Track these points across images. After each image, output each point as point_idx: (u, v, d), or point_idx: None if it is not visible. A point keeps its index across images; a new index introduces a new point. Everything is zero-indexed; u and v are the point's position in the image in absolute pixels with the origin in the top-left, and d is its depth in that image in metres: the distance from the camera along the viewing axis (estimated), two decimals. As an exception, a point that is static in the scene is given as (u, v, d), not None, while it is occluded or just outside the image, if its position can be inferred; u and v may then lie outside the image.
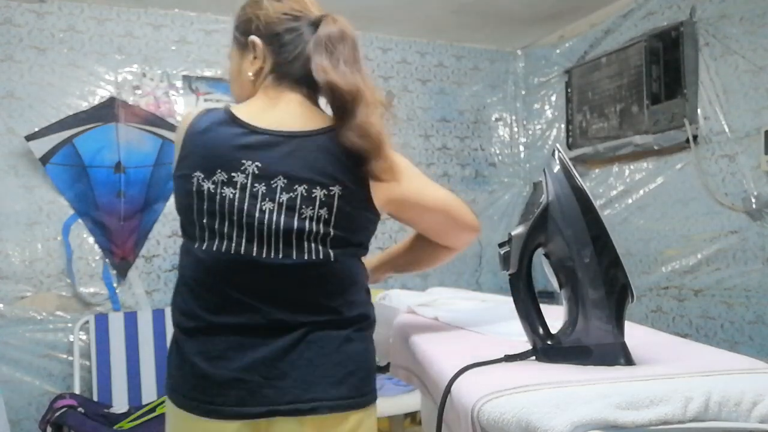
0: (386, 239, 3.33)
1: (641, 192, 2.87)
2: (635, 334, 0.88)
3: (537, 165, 3.62)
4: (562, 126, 3.37)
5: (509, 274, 0.87)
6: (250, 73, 1.07)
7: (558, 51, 3.40)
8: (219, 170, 0.96)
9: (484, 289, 3.30)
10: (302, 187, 0.97)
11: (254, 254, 0.96)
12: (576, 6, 3.07)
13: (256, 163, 0.97)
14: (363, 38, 3.33)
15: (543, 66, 3.52)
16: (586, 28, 3.22)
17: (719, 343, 2.43)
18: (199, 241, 0.98)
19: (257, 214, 0.96)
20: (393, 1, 2.91)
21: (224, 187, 0.96)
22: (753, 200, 2.33)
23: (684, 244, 2.63)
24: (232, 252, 0.96)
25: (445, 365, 0.86)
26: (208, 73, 3.01)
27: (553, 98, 3.47)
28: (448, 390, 0.76)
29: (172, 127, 2.91)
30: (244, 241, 0.96)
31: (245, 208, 0.96)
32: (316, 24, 1.12)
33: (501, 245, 0.88)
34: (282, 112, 1.03)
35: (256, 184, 0.96)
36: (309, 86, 1.07)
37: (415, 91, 3.46)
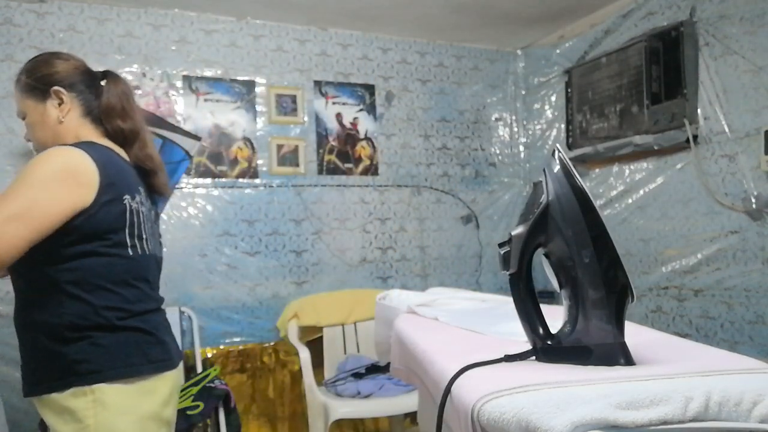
0: (386, 239, 3.34)
1: (641, 192, 2.87)
2: (635, 334, 0.88)
3: (537, 165, 3.62)
4: (562, 126, 3.37)
5: (509, 274, 0.87)
6: (61, 117, 1.31)
7: (558, 51, 3.40)
8: (134, 193, 1.29)
9: (484, 289, 3.30)
10: (149, 202, 1.40)
11: (156, 252, 1.41)
12: (576, 6, 3.07)
13: (139, 186, 1.35)
14: (363, 38, 3.34)
15: (543, 66, 3.52)
16: (586, 28, 3.22)
17: (719, 343, 2.43)
18: (131, 248, 1.27)
19: (150, 224, 1.37)
20: (393, 1, 2.91)
21: (139, 206, 1.31)
22: (753, 200, 2.33)
23: (684, 244, 2.63)
24: (148, 252, 1.34)
25: (445, 365, 0.87)
26: (208, 73, 3.01)
27: (553, 98, 3.47)
28: (448, 390, 0.76)
29: (172, 128, 2.90)
30: (152, 244, 1.37)
31: (150, 219, 1.37)
32: (101, 77, 1.38)
33: (501, 245, 0.88)
34: (117, 147, 1.35)
35: (143, 201, 1.34)
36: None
37: (415, 91, 3.46)
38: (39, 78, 1.31)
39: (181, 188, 2.93)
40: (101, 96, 1.34)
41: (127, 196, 1.26)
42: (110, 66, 2.82)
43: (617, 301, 0.79)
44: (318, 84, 3.22)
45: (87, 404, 1.18)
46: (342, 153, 3.27)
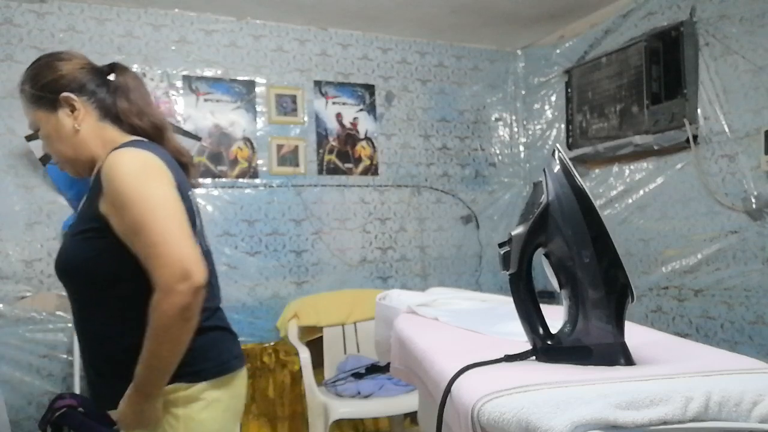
0: (386, 239, 3.34)
1: (641, 192, 2.87)
2: (635, 334, 0.88)
3: (537, 165, 3.62)
4: (562, 126, 3.37)
5: (509, 274, 0.87)
6: (76, 125, 1.20)
7: (558, 51, 3.40)
8: (191, 188, 1.26)
9: (484, 289, 3.30)
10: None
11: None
12: (576, 6, 3.07)
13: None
14: (363, 38, 3.34)
15: (543, 66, 3.52)
16: (586, 28, 3.22)
17: (719, 343, 2.43)
18: (200, 245, 1.16)
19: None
20: (393, 1, 2.91)
21: (196, 200, 1.27)
22: (753, 200, 2.33)
23: (684, 244, 2.63)
24: (208, 247, 1.27)
25: (445, 365, 0.86)
26: (208, 73, 3.01)
27: (553, 98, 3.47)
28: (448, 390, 0.76)
29: (172, 128, 2.90)
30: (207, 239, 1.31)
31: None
32: (108, 71, 1.30)
33: (501, 245, 0.88)
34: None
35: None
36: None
37: (415, 91, 3.46)
38: (44, 86, 1.22)
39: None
40: (115, 92, 1.24)
41: (190, 192, 1.21)
42: (110, 66, 2.82)
43: (617, 301, 0.79)
44: (318, 84, 3.22)
45: (183, 406, 1.14)
46: (342, 153, 3.27)
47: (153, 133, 1.24)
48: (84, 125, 1.20)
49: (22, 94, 1.26)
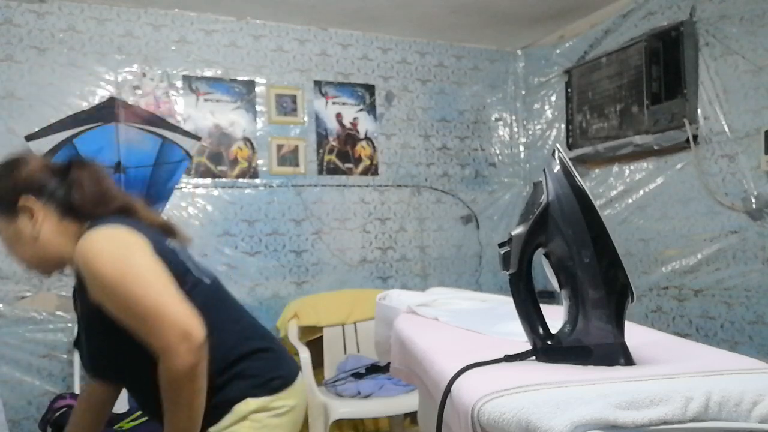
0: (386, 239, 3.34)
1: (641, 192, 2.87)
2: (635, 334, 0.88)
3: (537, 165, 3.62)
4: (562, 126, 3.37)
5: (509, 274, 0.87)
6: (34, 233, 1.18)
7: (558, 51, 3.40)
8: (165, 238, 1.27)
9: (484, 289, 3.30)
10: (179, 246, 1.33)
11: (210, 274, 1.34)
12: (576, 6, 3.08)
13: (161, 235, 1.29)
14: (363, 38, 3.34)
15: (543, 66, 3.52)
16: (586, 28, 3.22)
17: (719, 343, 2.43)
18: (203, 280, 1.27)
19: (192, 258, 1.33)
20: (393, 1, 2.91)
21: (176, 245, 1.28)
22: (753, 200, 2.33)
23: (684, 244, 2.63)
24: (209, 278, 1.32)
25: (445, 365, 0.86)
26: (208, 73, 3.01)
27: (553, 98, 3.47)
28: (448, 390, 0.76)
29: (172, 127, 2.91)
30: (206, 271, 1.32)
31: (189, 256, 1.32)
32: (66, 169, 1.25)
33: (501, 245, 0.88)
34: None
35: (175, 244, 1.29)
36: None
37: (415, 91, 3.46)
38: (2, 195, 1.19)
39: (181, 188, 2.93)
40: (71, 188, 1.21)
41: (166, 241, 1.22)
42: (110, 66, 2.83)
43: (617, 301, 0.79)
44: (318, 84, 3.22)
45: (241, 422, 1.19)
46: (342, 153, 3.27)
47: (122, 216, 1.23)
48: (44, 229, 1.19)
49: None
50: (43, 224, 1.19)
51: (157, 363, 1.07)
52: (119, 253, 1.09)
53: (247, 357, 1.22)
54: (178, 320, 1.04)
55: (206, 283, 1.23)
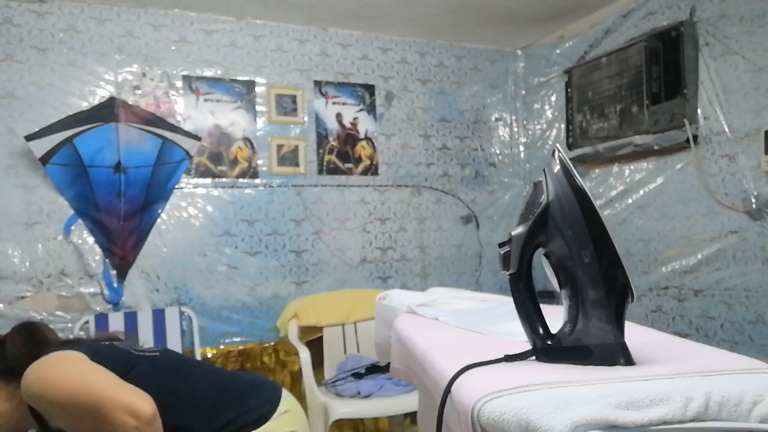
0: (386, 239, 3.34)
1: (641, 192, 2.87)
2: (635, 334, 0.88)
3: (537, 165, 3.62)
4: (562, 126, 3.37)
5: (509, 274, 0.87)
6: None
7: (558, 51, 3.40)
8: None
9: (484, 289, 3.30)
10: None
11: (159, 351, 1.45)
12: (576, 6, 3.08)
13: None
14: (363, 38, 3.34)
15: (543, 66, 3.52)
16: (586, 28, 3.22)
17: (719, 343, 2.43)
18: (147, 356, 1.37)
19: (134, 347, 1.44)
20: (393, 1, 2.91)
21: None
22: (753, 200, 2.33)
23: (684, 244, 2.63)
24: (155, 353, 1.43)
25: (445, 365, 0.86)
26: (208, 73, 3.01)
27: (553, 98, 3.47)
28: (448, 390, 0.76)
29: (172, 128, 2.91)
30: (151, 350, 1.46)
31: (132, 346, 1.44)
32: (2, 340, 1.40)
33: (501, 245, 0.88)
34: None
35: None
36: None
37: (415, 91, 3.46)
38: None
39: (181, 188, 2.93)
40: (8, 350, 1.34)
41: (100, 343, 1.36)
42: (110, 66, 2.83)
43: (617, 301, 0.78)
44: (318, 84, 3.22)
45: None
46: (342, 153, 3.27)
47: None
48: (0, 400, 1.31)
49: None
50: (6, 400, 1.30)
51: None
52: (49, 373, 1.18)
53: (224, 400, 1.32)
54: (123, 401, 1.13)
55: (156, 356, 1.34)
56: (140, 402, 1.14)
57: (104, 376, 1.18)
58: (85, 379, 1.16)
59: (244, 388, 1.38)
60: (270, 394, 1.39)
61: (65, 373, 1.17)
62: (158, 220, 2.88)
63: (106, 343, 1.34)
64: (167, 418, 1.22)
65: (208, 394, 1.31)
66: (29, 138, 2.62)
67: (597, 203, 0.79)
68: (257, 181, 3.08)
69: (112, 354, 1.28)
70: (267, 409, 1.34)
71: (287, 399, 1.42)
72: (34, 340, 1.37)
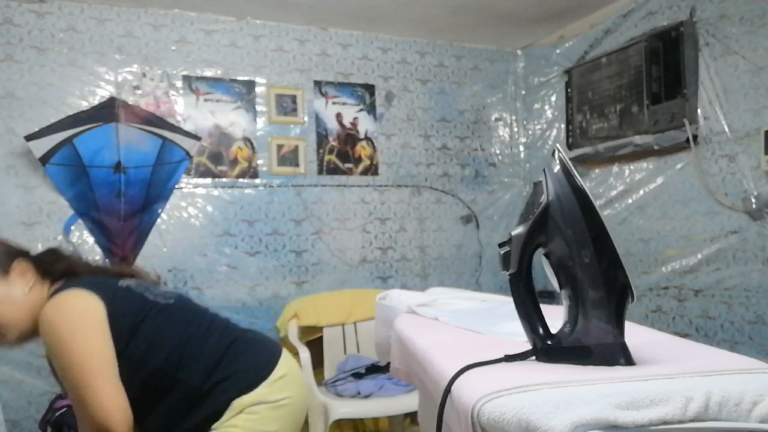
0: (386, 239, 3.34)
1: (641, 192, 2.87)
2: (635, 334, 0.88)
3: (537, 165, 3.62)
4: (562, 126, 3.37)
5: (509, 274, 0.87)
6: (27, 290, 1.30)
7: (558, 51, 3.40)
8: (119, 279, 1.39)
9: (484, 289, 3.30)
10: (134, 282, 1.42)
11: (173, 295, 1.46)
12: (576, 6, 3.08)
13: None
14: (363, 38, 3.34)
15: (543, 66, 3.52)
16: (586, 28, 3.22)
17: (719, 343, 2.43)
18: (161, 302, 1.37)
19: (149, 287, 1.45)
20: (393, 1, 2.91)
21: (131, 281, 1.41)
22: (753, 200, 2.33)
23: (684, 244, 2.63)
24: (171, 299, 1.43)
25: (445, 365, 0.86)
26: (208, 73, 3.01)
27: (553, 98, 3.47)
28: (448, 390, 0.76)
29: (172, 128, 2.91)
30: (166, 295, 1.45)
31: (147, 286, 1.44)
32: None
33: (501, 245, 0.88)
34: None
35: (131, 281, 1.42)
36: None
37: (415, 91, 3.46)
38: None
39: (181, 188, 2.93)
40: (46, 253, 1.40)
41: (118, 283, 1.33)
42: (110, 66, 2.83)
43: (617, 301, 0.78)
44: (318, 84, 3.22)
45: (246, 400, 1.29)
46: (342, 153, 3.27)
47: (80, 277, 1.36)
48: (33, 290, 1.31)
49: None
50: (34, 286, 1.31)
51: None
52: (69, 327, 1.19)
53: (223, 358, 1.32)
54: (97, 415, 1.15)
55: (169, 304, 1.34)
56: (116, 420, 1.16)
57: (100, 370, 1.18)
58: (85, 360, 1.17)
59: (244, 349, 1.37)
60: (268, 357, 1.38)
61: (73, 337, 1.18)
62: (158, 220, 2.88)
63: (125, 286, 1.32)
64: (167, 369, 1.26)
65: (212, 351, 1.31)
66: (29, 138, 2.62)
67: (597, 203, 0.79)
68: (257, 181, 3.08)
69: (129, 302, 1.28)
70: (261, 374, 1.33)
71: (286, 362, 1.41)
72: (68, 261, 1.39)
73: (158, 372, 1.26)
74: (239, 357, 1.34)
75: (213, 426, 1.27)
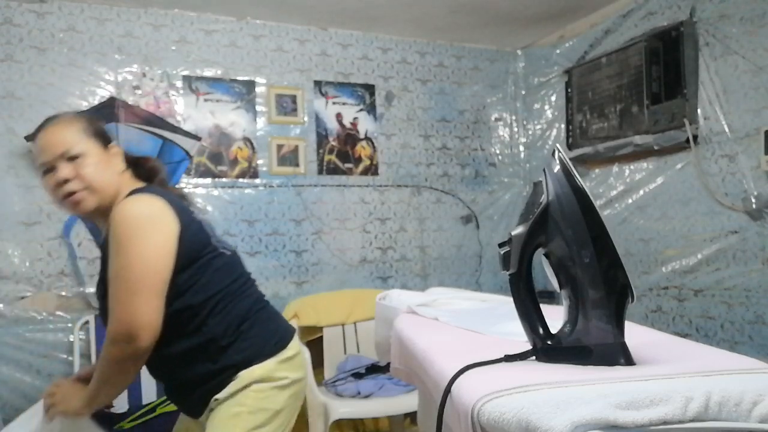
0: (386, 239, 3.34)
1: (641, 192, 2.87)
2: (635, 334, 0.88)
3: (537, 165, 3.62)
4: (562, 126, 3.37)
5: (509, 274, 0.87)
6: (120, 167, 1.35)
7: (558, 51, 3.40)
8: (192, 210, 1.39)
9: (484, 289, 3.30)
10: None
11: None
12: (576, 6, 3.07)
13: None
14: (363, 38, 3.34)
15: (543, 66, 3.52)
16: (586, 28, 3.22)
17: (719, 343, 2.43)
18: (222, 251, 1.38)
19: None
20: (393, 1, 2.91)
21: (201, 216, 1.41)
22: (753, 200, 2.33)
23: (684, 244, 2.63)
24: (232, 250, 1.46)
25: (445, 365, 0.86)
26: (208, 73, 3.01)
27: (553, 98, 3.47)
28: (448, 390, 0.76)
29: (172, 128, 2.91)
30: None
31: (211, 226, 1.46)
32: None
33: (501, 245, 0.88)
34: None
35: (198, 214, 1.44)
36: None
37: (415, 91, 3.46)
38: (101, 128, 1.36)
39: (181, 188, 2.93)
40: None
41: (193, 212, 1.35)
42: (110, 66, 2.83)
43: (617, 301, 0.79)
44: (318, 84, 3.22)
45: (257, 372, 1.29)
46: (342, 153, 3.27)
47: (152, 176, 1.42)
48: (120, 170, 1.36)
49: (75, 122, 1.33)
50: (124, 173, 1.36)
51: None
52: (136, 229, 1.20)
53: (247, 320, 1.34)
54: (134, 321, 1.17)
55: (227, 254, 1.37)
56: (147, 333, 1.17)
57: (153, 282, 1.19)
58: (140, 264, 1.18)
59: (266, 318, 1.43)
60: (283, 334, 1.42)
61: (139, 239, 1.19)
62: (158, 220, 2.87)
63: (199, 219, 1.34)
64: (201, 310, 1.27)
65: (241, 311, 1.33)
66: (29, 138, 2.62)
67: (597, 203, 0.79)
68: (257, 181, 3.08)
69: (198, 235, 1.30)
70: (276, 348, 1.36)
71: (296, 344, 1.44)
72: (158, 170, 1.43)
73: (191, 309, 1.27)
74: (261, 324, 1.37)
75: (216, 397, 1.28)
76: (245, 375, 1.28)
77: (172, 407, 2.54)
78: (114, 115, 2.77)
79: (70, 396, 1.33)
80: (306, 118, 3.19)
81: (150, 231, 1.21)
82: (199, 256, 1.29)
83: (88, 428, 1.45)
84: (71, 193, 1.28)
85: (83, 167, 1.28)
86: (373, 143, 3.34)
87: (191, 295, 1.27)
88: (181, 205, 1.31)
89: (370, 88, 3.34)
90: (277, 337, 1.38)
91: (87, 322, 2.68)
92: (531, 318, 0.86)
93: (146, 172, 1.41)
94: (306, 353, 2.68)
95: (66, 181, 1.27)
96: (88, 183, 1.29)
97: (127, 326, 1.17)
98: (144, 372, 1.36)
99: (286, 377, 1.34)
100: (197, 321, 1.28)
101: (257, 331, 1.35)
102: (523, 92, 3.69)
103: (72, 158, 1.28)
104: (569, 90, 3.25)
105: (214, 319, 1.29)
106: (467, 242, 3.53)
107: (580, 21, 3.26)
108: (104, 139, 1.34)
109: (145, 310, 1.18)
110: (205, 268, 1.29)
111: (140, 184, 1.37)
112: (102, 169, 1.30)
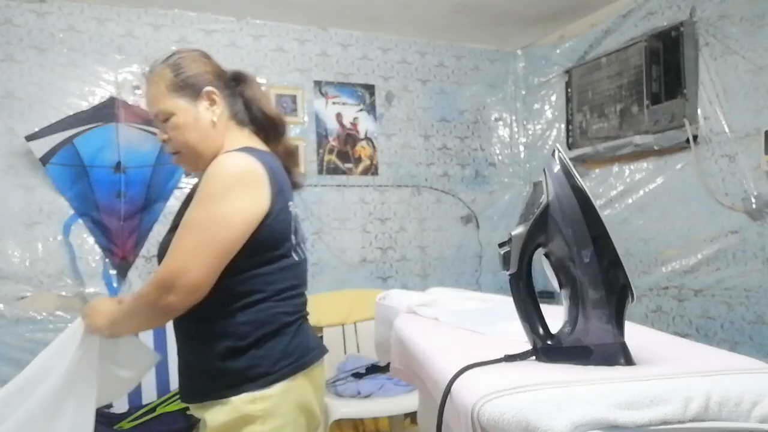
0: (386, 239, 3.34)
1: (641, 192, 2.87)
2: (635, 334, 0.88)
3: (537, 165, 3.62)
4: (562, 126, 3.37)
5: (509, 274, 0.87)
6: (214, 119, 1.26)
7: (558, 51, 3.40)
8: (293, 198, 1.30)
9: (484, 289, 3.30)
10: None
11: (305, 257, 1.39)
12: (576, 6, 3.08)
13: (291, 189, 1.32)
14: (363, 38, 3.34)
15: (543, 66, 3.52)
16: (586, 28, 3.22)
17: (719, 343, 2.43)
18: (295, 254, 1.31)
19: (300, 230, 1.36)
20: (393, 1, 2.91)
21: (296, 210, 1.32)
22: (753, 200, 2.33)
23: (684, 244, 2.63)
24: (305, 256, 1.40)
25: (445, 365, 0.86)
26: (208, 73, 3.01)
27: (553, 98, 3.47)
28: (448, 390, 0.76)
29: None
30: (304, 247, 1.40)
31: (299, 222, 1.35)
32: (236, 78, 1.35)
33: (501, 245, 0.88)
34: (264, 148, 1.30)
35: (296, 204, 1.33)
36: (252, 124, 1.34)
37: (415, 91, 3.46)
38: (190, 77, 1.27)
39: (181, 188, 2.93)
40: (242, 96, 1.32)
41: (291, 203, 1.27)
42: (110, 66, 2.83)
43: (617, 301, 0.79)
44: (318, 84, 3.22)
45: (259, 406, 1.17)
46: (342, 153, 3.27)
47: (272, 134, 1.33)
48: (219, 121, 1.26)
49: (158, 80, 1.28)
50: (220, 116, 1.26)
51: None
52: (225, 189, 1.13)
53: (275, 327, 1.24)
54: (182, 275, 1.10)
55: (295, 261, 1.30)
56: (189, 296, 1.11)
57: (226, 244, 1.12)
58: (215, 224, 1.11)
59: (293, 334, 1.30)
60: (302, 354, 1.30)
61: (226, 201, 1.12)
62: (158, 220, 2.88)
63: (294, 213, 1.27)
64: (247, 298, 1.19)
65: (286, 325, 1.26)
66: (29, 138, 2.62)
67: (597, 203, 0.79)
68: (257, 181, 3.07)
69: (284, 226, 1.22)
70: (288, 370, 1.23)
71: (320, 371, 1.40)
72: (263, 98, 1.35)
73: (231, 295, 1.18)
74: (284, 337, 1.26)
75: (204, 416, 1.18)
76: (238, 404, 1.16)
77: (172, 407, 2.54)
78: (114, 115, 2.78)
79: (99, 313, 1.30)
80: (306, 118, 3.19)
81: (239, 194, 1.13)
82: (274, 247, 1.20)
83: (128, 342, 1.43)
84: (172, 154, 1.28)
85: (172, 129, 1.24)
86: (373, 143, 3.34)
87: (246, 283, 1.18)
88: (282, 186, 1.22)
89: (370, 88, 3.34)
90: (296, 355, 1.26)
91: (87, 322, 2.68)
92: (531, 318, 0.86)
93: (266, 130, 1.32)
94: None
95: (164, 141, 1.27)
96: (180, 145, 1.25)
97: (174, 276, 1.10)
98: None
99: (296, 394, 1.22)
100: (228, 310, 1.18)
101: (276, 344, 1.23)
102: (523, 92, 3.69)
103: (164, 119, 1.25)
104: (569, 90, 3.25)
105: (245, 316, 1.19)
106: (467, 242, 3.53)
107: (580, 21, 3.26)
108: (193, 90, 1.25)
109: (200, 271, 1.10)
110: (272, 264, 1.21)
111: (255, 141, 1.28)
112: (192, 128, 1.23)
